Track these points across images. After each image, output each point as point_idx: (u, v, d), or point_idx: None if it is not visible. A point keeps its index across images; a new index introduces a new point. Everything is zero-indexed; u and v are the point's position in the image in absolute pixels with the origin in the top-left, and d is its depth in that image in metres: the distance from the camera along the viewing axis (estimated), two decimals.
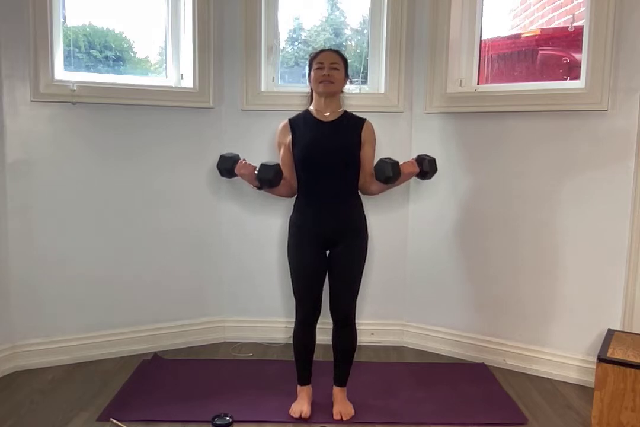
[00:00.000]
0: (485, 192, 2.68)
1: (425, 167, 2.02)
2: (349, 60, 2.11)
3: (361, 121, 2.10)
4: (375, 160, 2.01)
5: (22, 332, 2.55)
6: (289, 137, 2.08)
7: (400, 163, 1.98)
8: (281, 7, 2.87)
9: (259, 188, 2.01)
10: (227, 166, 1.97)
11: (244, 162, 1.98)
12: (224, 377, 2.48)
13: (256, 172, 1.95)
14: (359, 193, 2.12)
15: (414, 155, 2.09)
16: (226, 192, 2.88)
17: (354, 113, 2.13)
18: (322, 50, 2.09)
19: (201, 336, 2.92)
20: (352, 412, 2.13)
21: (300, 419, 2.09)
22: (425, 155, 2.05)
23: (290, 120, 2.11)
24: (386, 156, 1.99)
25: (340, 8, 3.09)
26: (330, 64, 2.02)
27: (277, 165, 1.97)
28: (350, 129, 2.07)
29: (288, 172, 2.07)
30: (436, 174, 2.05)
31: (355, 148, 2.05)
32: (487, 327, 2.72)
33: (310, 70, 2.08)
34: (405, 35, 2.75)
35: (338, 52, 2.09)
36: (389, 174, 1.94)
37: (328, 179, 2.02)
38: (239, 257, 2.93)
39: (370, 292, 2.84)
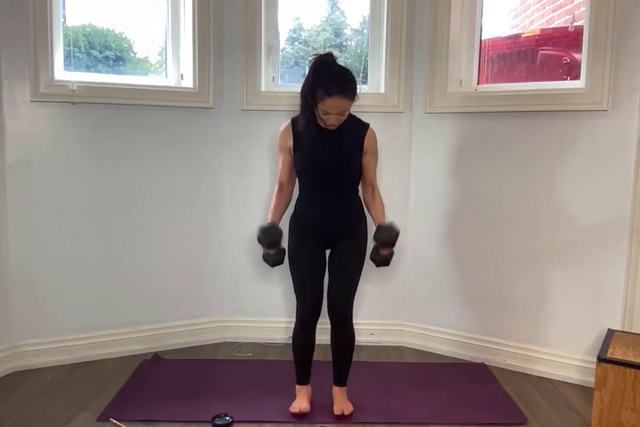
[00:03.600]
0: (485, 192, 2.68)
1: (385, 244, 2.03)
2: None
3: (364, 128, 2.04)
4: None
5: (22, 332, 2.54)
6: (291, 142, 2.04)
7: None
8: (281, 7, 2.87)
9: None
10: (275, 239, 2.02)
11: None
12: (224, 377, 2.48)
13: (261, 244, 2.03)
14: (359, 194, 2.12)
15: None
16: (226, 192, 2.88)
17: (355, 114, 2.07)
18: (334, 93, 1.83)
19: (201, 336, 2.92)
20: (352, 409, 2.13)
21: (299, 414, 2.10)
22: (383, 234, 2.03)
23: (292, 121, 2.05)
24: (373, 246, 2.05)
25: (340, 8, 3.09)
26: (337, 113, 1.89)
27: (270, 230, 2.03)
28: (352, 137, 2.02)
29: (288, 176, 2.09)
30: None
31: (356, 157, 2.03)
32: (487, 327, 2.72)
33: (312, 84, 1.89)
34: (405, 35, 2.75)
35: (350, 94, 1.86)
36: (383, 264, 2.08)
37: (328, 184, 2.02)
38: (239, 257, 2.93)
39: (370, 292, 2.84)
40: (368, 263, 2.13)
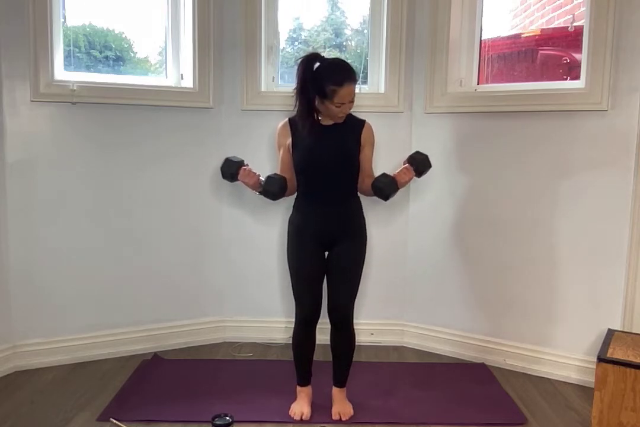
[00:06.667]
0: (485, 192, 2.68)
1: (420, 167, 2.02)
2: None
3: (361, 123, 2.08)
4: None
5: (22, 332, 2.55)
6: (289, 139, 2.06)
7: (395, 172, 2.00)
8: (281, 7, 2.87)
9: (260, 193, 2.02)
10: (232, 171, 1.98)
11: (247, 169, 1.97)
12: (224, 377, 2.48)
13: (262, 182, 1.97)
14: (358, 194, 2.11)
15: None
16: (227, 192, 2.88)
17: (353, 113, 2.09)
18: (343, 81, 1.88)
19: (201, 336, 2.92)
20: (351, 412, 2.13)
21: (300, 421, 2.09)
22: (417, 153, 2.04)
23: (290, 120, 2.07)
24: (381, 173, 2.00)
25: (340, 8, 3.09)
26: (349, 101, 1.94)
27: (283, 179, 1.99)
28: (350, 132, 2.04)
29: (288, 173, 2.07)
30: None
31: (354, 152, 2.04)
32: (487, 327, 2.72)
33: (320, 86, 1.90)
34: (405, 35, 2.75)
35: (355, 78, 1.94)
36: (388, 192, 1.98)
37: (327, 182, 2.02)
38: (239, 257, 2.93)
39: (370, 292, 2.84)
40: (367, 264, 2.13)
